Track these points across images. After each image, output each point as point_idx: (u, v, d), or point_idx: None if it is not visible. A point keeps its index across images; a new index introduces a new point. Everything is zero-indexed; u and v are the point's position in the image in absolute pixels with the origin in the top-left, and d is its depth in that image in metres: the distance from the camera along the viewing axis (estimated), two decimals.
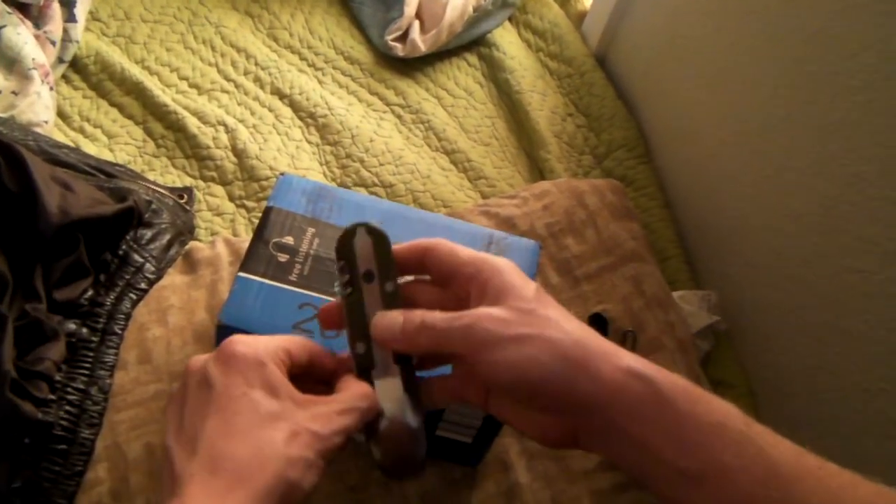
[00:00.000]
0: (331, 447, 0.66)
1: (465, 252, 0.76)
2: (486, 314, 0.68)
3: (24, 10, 1.66)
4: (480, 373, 0.68)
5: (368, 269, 0.78)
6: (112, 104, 1.70)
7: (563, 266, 1.42)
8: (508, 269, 0.74)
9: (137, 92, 1.70)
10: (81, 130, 1.64)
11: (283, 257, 1.03)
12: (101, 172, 1.38)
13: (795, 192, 1.32)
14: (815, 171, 1.27)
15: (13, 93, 1.52)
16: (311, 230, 1.07)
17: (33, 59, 1.56)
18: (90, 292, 1.23)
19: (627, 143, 1.77)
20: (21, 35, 1.58)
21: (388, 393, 0.73)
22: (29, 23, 1.64)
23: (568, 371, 0.64)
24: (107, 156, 1.58)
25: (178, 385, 0.70)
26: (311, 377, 0.75)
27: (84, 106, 1.68)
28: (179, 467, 0.62)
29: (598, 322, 1.33)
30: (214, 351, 0.69)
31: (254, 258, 1.03)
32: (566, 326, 0.68)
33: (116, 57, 1.74)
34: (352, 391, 0.71)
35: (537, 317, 0.68)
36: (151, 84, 1.71)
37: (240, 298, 0.99)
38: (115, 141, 1.63)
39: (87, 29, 1.79)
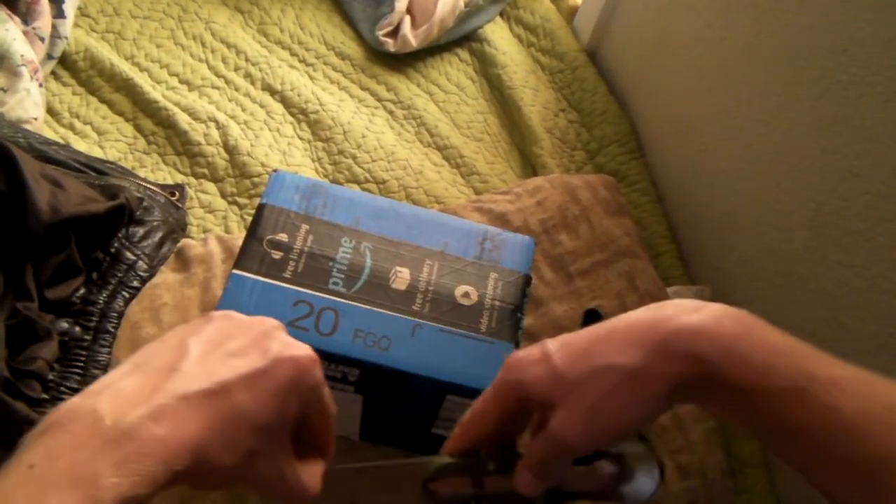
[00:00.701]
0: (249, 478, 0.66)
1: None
2: None
3: (12, 5, 1.65)
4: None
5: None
6: (102, 101, 1.69)
7: (556, 262, 1.41)
8: None
9: (127, 88, 1.69)
10: (71, 127, 1.63)
11: (277, 254, 1.03)
12: (92, 169, 1.38)
13: (787, 186, 1.32)
14: (806, 166, 1.27)
15: (2, 89, 1.51)
16: (304, 227, 1.07)
17: (22, 56, 1.55)
18: (82, 291, 1.22)
19: (620, 139, 1.76)
20: (9, 31, 1.57)
21: None
22: (17, 19, 1.63)
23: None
24: (97, 153, 1.58)
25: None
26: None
27: (74, 103, 1.67)
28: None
29: (593, 318, 1.33)
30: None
31: (247, 255, 1.03)
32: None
33: (106, 53, 1.73)
34: (308, 478, 0.72)
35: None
36: (141, 80, 1.70)
37: (234, 296, 0.99)
38: (105, 138, 1.62)
39: (76, 25, 1.78)
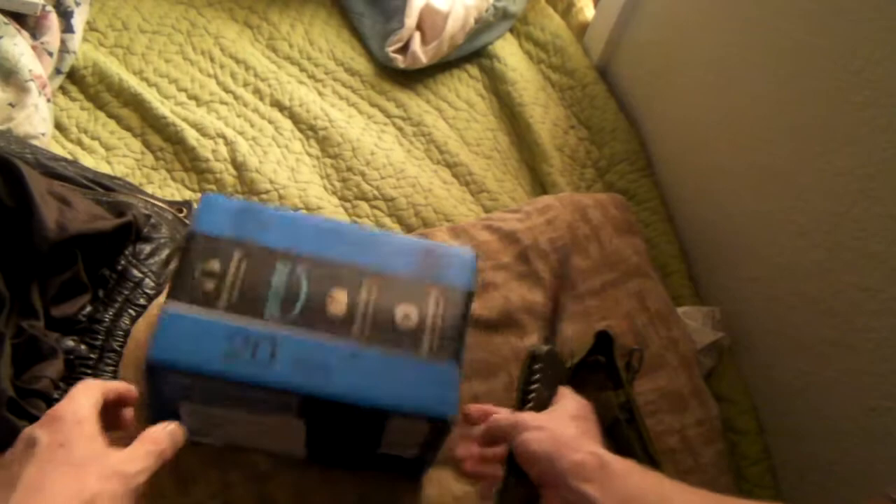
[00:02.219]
0: (137, 481, 0.82)
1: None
2: (529, 415, 0.99)
3: (20, 20, 1.65)
4: (514, 451, 0.95)
5: None
6: (110, 116, 1.69)
7: (565, 281, 1.40)
8: (581, 403, 1.04)
9: (136, 103, 1.68)
10: (79, 143, 1.63)
11: (209, 284, 0.99)
12: (100, 186, 1.37)
13: (800, 207, 1.31)
14: (819, 186, 1.26)
15: (10, 105, 1.50)
16: (237, 253, 1.02)
17: (30, 71, 1.55)
18: (88, 308, 1.22)
19: (629, 157, 1.75)
20: (18, 46, 1.57)
21: None
22: (26, 33, 1.63)
23: (551, 450, 0.90)
24: (105, 168, 1.57)
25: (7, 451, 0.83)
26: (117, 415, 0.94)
27: (82, 118, 1.67)
28: None
29: (604, 339, 1.32)
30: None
31: (179, 287, 0.98)
32: (572, 432, 0.94)
33: (114, 68, 1.73)
34: (151, 436, 0.89)
35: (560, 423, 0.97)
36: (150, 95, 1.70)
37: (167, 332, 0.95)
38: (112, 153, 1.62)
39: (84, 39, 1.78)
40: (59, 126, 1.64)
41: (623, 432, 1.25)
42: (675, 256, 1.63)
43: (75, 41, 1.71)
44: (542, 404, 1.05)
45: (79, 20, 1.74)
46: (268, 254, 1.03)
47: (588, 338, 1.32)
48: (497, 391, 1.30)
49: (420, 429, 1.01)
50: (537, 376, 1.04)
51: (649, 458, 1.25)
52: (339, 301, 1.02)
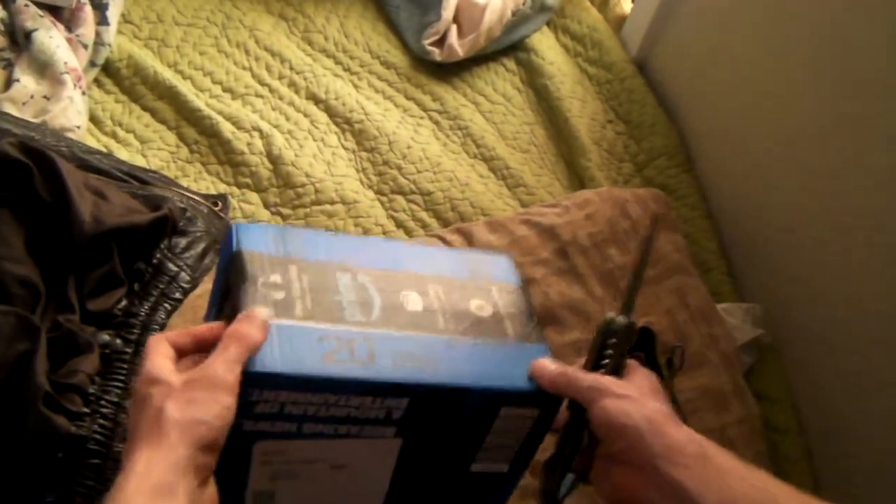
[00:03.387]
0: (229, 384, 0.76)
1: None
2: (610, 379, 0.87)
3: (55, 13, 1.65)
4: (592, 417, 0.85)
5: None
6: (144, 109, 1.68)
7: (606, 277, 1.39)
8: (652, 377, 0.91)
9: (170, 96, 1.68)
10: (114, 135, 1.62)
11: (278, 295, 0.90)
12: (135, 179, 1.36)
13: (844, 204, 1.29)
14: (865, 183, 1.24)
15: (45, 97, 1.50)
16: (293, 267, 0.94)
17: (65, 63, 1.54)
18: (124, 302, 1.21)
19: (668, 151, 1.74)
20: (53, 39, 1.56)
21: None
22: (61, 26, 1.62)
23: (644, 427, 0.81)
24: (139, 161, 1.56)
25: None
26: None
27: (116, 110, 1.66)
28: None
29: (646, 335, 1.30)
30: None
31: (252, 299, 0.88)
32: (660, 404, 0.84)
33: (149, 60, 1.72)
34: (228, 331, 0.81)
35: (644, 394, 0.85)
36: (185, 88, 1.69)
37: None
38: (147, 146, 1.61)
39: (119, 32, 1.77)
40: (93, 119, 1.64)
41: None
42: (714, 253, 1.62)
43: (110, 33, 1.71)
44: (615, 374, 0.95)
45: (114, 12, 1.73)
46: (323, 266, 0.95)
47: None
48: None
49: (528, 418, 0.95)
50: (610, 351, 0.95)
51: None
52: (413, 300, 0.97)
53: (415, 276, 1.00)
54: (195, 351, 0.83)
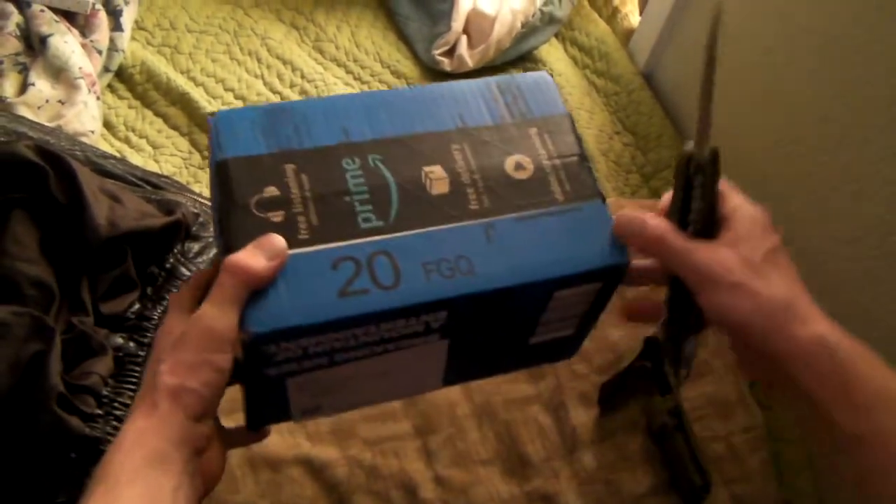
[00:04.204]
0: (222, 336, 0.69)
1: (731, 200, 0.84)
2: (717, 259, 0.76)
3: (70, 18, 1.66)
4: (698, 302, 0.77)
5: None
6: (157, 114, 1.69)
7: None
8: (758, 218, 0.83)
9: (183, 103, 1.69)
10: (127, 141, 1.64)
11: (276, 216, 0.75)
12: (148, 184, 1.37)
13: (850, 215, 1.30)
14: (871, 194, 1.25)
15: (60, 102, 1.51)
16: (290, 167, 0.79)
17: (80, 68, 1.56)
18: (137, 306, 1.22)
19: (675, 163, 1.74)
20: (68, 44, 1.58)
21: None
22: (76, 31, 1.64)
23: (765, 326, 0.73)
24: (152, 167, 1.58)
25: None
26: None
27: (129, 116, 1.68)
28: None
29: (653, 345, 1.31)
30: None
31: (239, 233, 0.74)
32: (779, 287, 0.75)
33: (162, 67, 1.74)
34: (224, 264, 0.71)
35: (758, 271, 0.75)
36: (197, 95, 1.70)
37: (253, 296, 0.72)
38: (160, 152, 1.62)
39: (132, 38, 1.79)
40: (107, 124, 1.65)
41: (672, 438, 1.25)
42: None
43: (124, 39, 1.72)
44: (707, 226, 0.83)
45: (127, 19, 1.75)
46: (325, 154, 0.80)
47: (635, 343, 1.31)
48: (544, 395, 1.30)
49: (589, 292, 0.84)
50: (698, 191, 0.83)
51: (697, 464, 1.24)
52: (437, 177, 0.81)
53: (435, 137, 0.84)
54: None
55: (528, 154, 0.84)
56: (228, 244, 0.74)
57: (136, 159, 1.57)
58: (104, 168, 1.33)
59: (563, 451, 1.26)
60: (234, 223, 0.75)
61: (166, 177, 1.46)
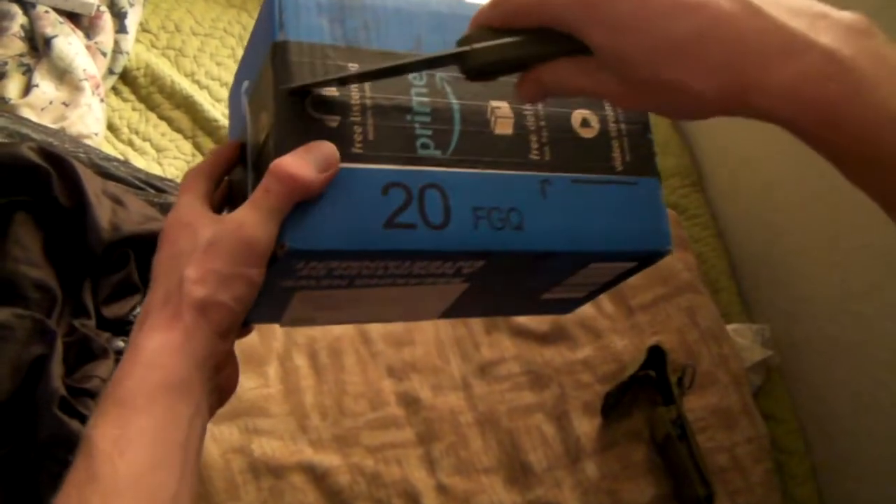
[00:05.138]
0: (260, 246, 0.62)
1: None
2: None
3: (75, 20, 1.65)
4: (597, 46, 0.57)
5: None
6: (161, 117, 1.68)
7: (617, 294, 1.40)
8: None
9: (187, 106, 1.68)
10: (130, 143, 1.63)
11: (331, 120, 0.66)
12: (151, 187, 1.37)
13: (857, 226, 1.29)
14: (876, 205, 1.24)
15: (64, 104, 1.50)
16: (353, 66, 0.69)
17: (84, 70, 1.55)
18: (139, 310, 1.21)
19: (681, 171, 1.74)
20: (73, 45, 1.57)
21: None
22: (80, 33, 1.63)
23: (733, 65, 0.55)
24: (155, 170, 1.57)
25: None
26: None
27: (133, 118, 1.67)
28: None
29: (656, 354, 1.31)
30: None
31: (291, 131, 0.65)
32: None
33: (166, 70, 1.73)
34: (272, 167, 0.62)
35: None
36: (201, 98, 1.69)
37: (298, 205, 0.64)
38: (163, 155, 1.62)
39: (137, 40, 1.78)
40: (110, 126, 1.64)
41: (675, 448, 1.24)
42: (724, 272, 1.62)
43: (128, 42, 1.71)
44: None
45: (132, 21, 1.74)
46: (394, 61, 0.68)
47: (640, 353, 1.31)
48: (547, 403, 1.29)
49: (622, 269, 0.81)
50: None
51: (700, 475, 1.24)
52: (503, 115, 0.73)
53: None
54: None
55: (597, 111, 0.77)
56: (278, 140, 0.65)
57: (139, 162, 1.57)
58: (107, 171, 1.33)
59: (566, 461, 1.25)
60: (285, 115, 0.66)
61: (170, 180, 1.46)
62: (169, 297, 0.62)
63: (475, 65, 0.62)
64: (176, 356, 0.60)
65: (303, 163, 0.62)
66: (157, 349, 0.60)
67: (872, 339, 1.29)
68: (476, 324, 1.33)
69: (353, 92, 0.68)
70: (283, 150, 0.63)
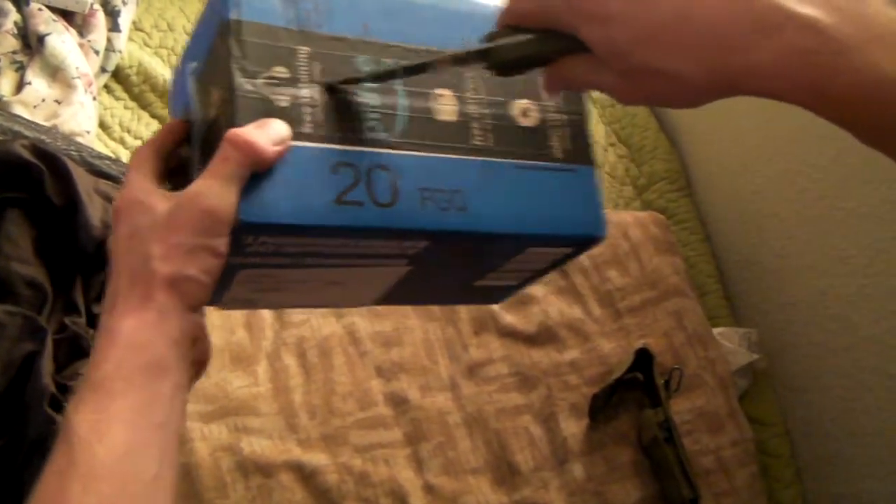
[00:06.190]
0: (224, 215, 0.62)
1: None
2: None
3: (68, 18, 1.65)
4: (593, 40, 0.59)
5: None
6: (153, 116, 1.69)
7: (605, 298, 1.41)
8: None
9: None
10: (122, 141, 1.63)
11: (282, 99, 0.67)
12: None
13: (843, 233, 1.30)
14: (864, 213, 1.25)
15: (56, 101, 1.51)
16: (304, 49, 0.70)
17: (77, 68, 1.55)
18: None
19: (669, 176, 1.75)
20: (66, 43, 1.57)
21: None
22: (73, 31, 1.63)
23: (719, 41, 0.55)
24: None
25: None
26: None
27: (125, 117, 1.67)
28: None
29: (643, 357, 1.32)
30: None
31: (244, 107, 0.66)
32: None
33: (159, 68, 1.73)
34: (228, 136, 0.63)
35: None
36: None
37: (251, 180, 0.64)
38: None
39: (130, 39, 1.77)
40: (102, 124, 1.64)
41: (662, 450, 1.25)
42: (711, 277, 1.63)
43: (121, 40, 1.71)
44: None
45: (125, 19, 1.74)
46: (341, 45, 0.72)
47: (627, 355, 1.32)
48: (535, 404, 1.30)
49: (557, 254, 0.83)
50: None
51: (686, 477, 1.24)
52: (446, 102, 0.75)
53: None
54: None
55: (537, 101, 0.79)
56: (231, 115, 0.65)
57: None
58: (99, 168, 1.33)
59: (553, 462, 1.26)
60: (238, 93, 0.66)
61: None
62: (135, 277, 0.61)
63: (499, 61, 0.66)
64: (152, 336, 0.60)
65: (258, 132, 0.62)
66: (132, 331, 0.60)
67: (858, 343, 1.30)
68: (464, 325, 1.34)
69: (304, 74, 0.69)
70: (235, 125, 0.64)
